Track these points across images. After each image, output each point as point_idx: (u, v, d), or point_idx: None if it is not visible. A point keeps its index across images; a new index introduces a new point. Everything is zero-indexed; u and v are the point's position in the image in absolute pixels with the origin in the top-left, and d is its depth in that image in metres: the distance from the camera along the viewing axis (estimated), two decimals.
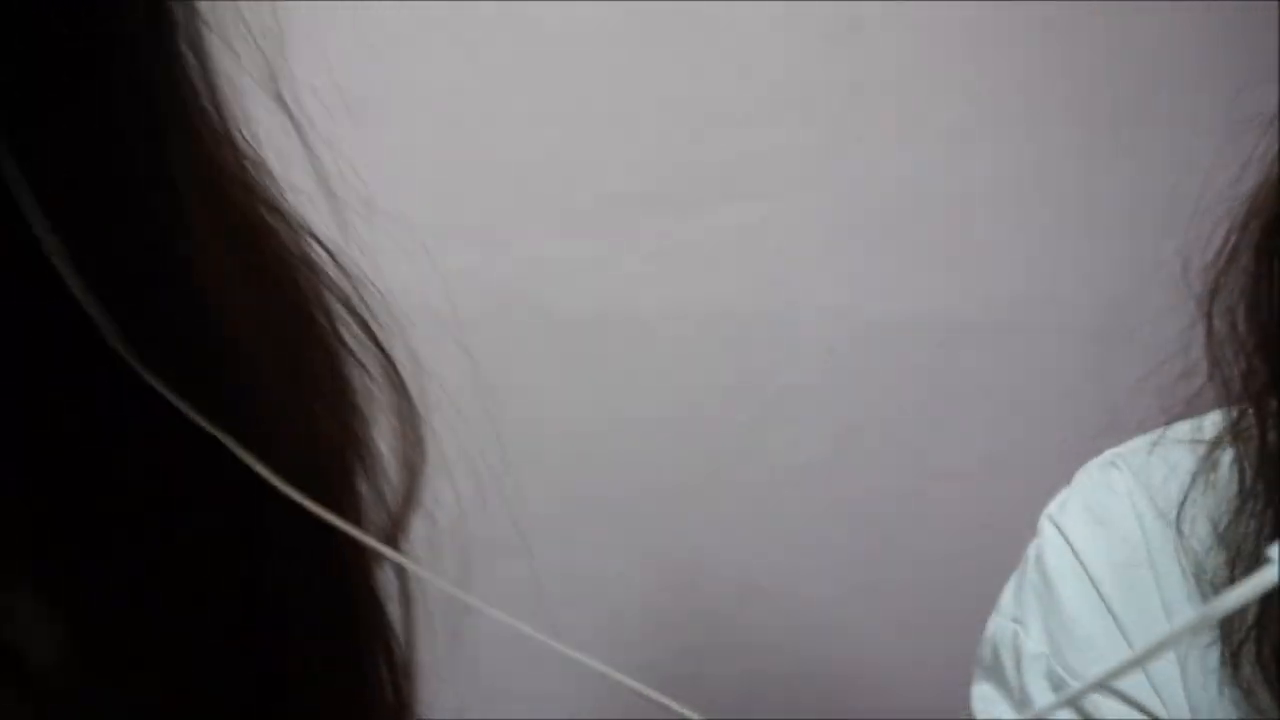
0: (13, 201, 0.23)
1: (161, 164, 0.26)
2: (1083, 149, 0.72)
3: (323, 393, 0.30)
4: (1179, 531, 0.50)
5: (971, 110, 0.73)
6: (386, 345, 0.32)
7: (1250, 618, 0.44)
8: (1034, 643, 0.53)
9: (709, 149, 0.76)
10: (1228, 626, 0.45)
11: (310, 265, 0.29)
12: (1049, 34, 0.71)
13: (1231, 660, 0.45)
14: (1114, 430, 0.61)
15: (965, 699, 0.69)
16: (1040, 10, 0.71)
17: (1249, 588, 0.31)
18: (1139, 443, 0.56)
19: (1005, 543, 0.70)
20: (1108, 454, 0.58)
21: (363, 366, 0.31)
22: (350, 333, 0.31)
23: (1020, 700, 0.54)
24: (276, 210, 0.28)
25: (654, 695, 0.33)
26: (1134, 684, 0.49)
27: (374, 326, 0.31)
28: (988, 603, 0.70)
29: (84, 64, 0.25)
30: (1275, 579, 0.30)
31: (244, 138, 0.27)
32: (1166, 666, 0.48)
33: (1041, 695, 0.52)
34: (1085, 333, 0.73)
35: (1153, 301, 0.65)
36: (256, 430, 0.26)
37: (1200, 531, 0.49)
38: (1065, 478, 0.61)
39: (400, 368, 0.31)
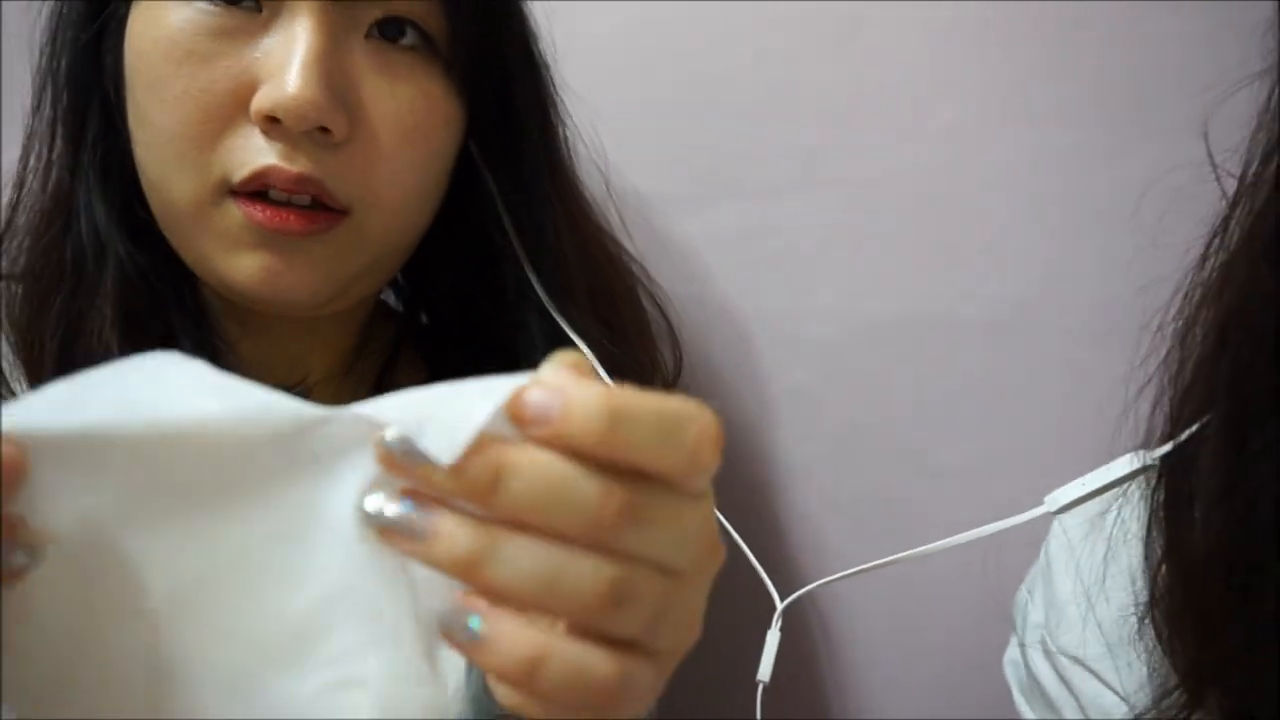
0: (495, 214, 0.58)
1: (551, 196, 0.59)
2: (1082, 149, 0.72)
3: (626, 319, 0.64)
4: (1147, 548, 0.53)
5: (971, 110, 0.73)
6: (660, 299, 0.69)
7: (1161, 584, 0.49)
8: (1036, 613, 0.58)
9: (709, 149, 0.76)
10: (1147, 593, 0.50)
11: (618, 247, 0.67)
12: (1049, 34, 0.71)
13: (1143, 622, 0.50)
14: (1114, 430, 0.61)
15: (966, 697, 0.70)
16: (1040, 10, 0.71)
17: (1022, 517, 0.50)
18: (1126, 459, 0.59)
19: (1005, 542, 0.69)
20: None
21: (650, 307, 0.68)
22: (643, 291, 0.68)
23: (1025, 658, 0.59)
24: (599, 223, 0.65)
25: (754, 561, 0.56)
26: (1101, 662, 0.54)
27: (653, 290, 0.69)
28: (988, 602, 0.70)
29: (533, 132, 0.58)
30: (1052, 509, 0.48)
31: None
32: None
33: (1037, 659, 0.57)
34: (1085, 333, 0.73)
35: (1153, 302, 0.65)
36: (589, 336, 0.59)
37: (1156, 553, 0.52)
38: (1064, 477, 0.61)
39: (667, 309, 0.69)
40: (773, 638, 0.51)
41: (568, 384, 0.29)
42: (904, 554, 0.52)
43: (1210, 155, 0.52)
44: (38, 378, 0.52)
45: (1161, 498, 0.48)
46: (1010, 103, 0.72)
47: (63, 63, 0.55)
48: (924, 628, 0.77)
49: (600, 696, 0.29)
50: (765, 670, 0.52)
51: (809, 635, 0.79)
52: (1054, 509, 0.51)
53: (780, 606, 0.52)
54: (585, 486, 0.29)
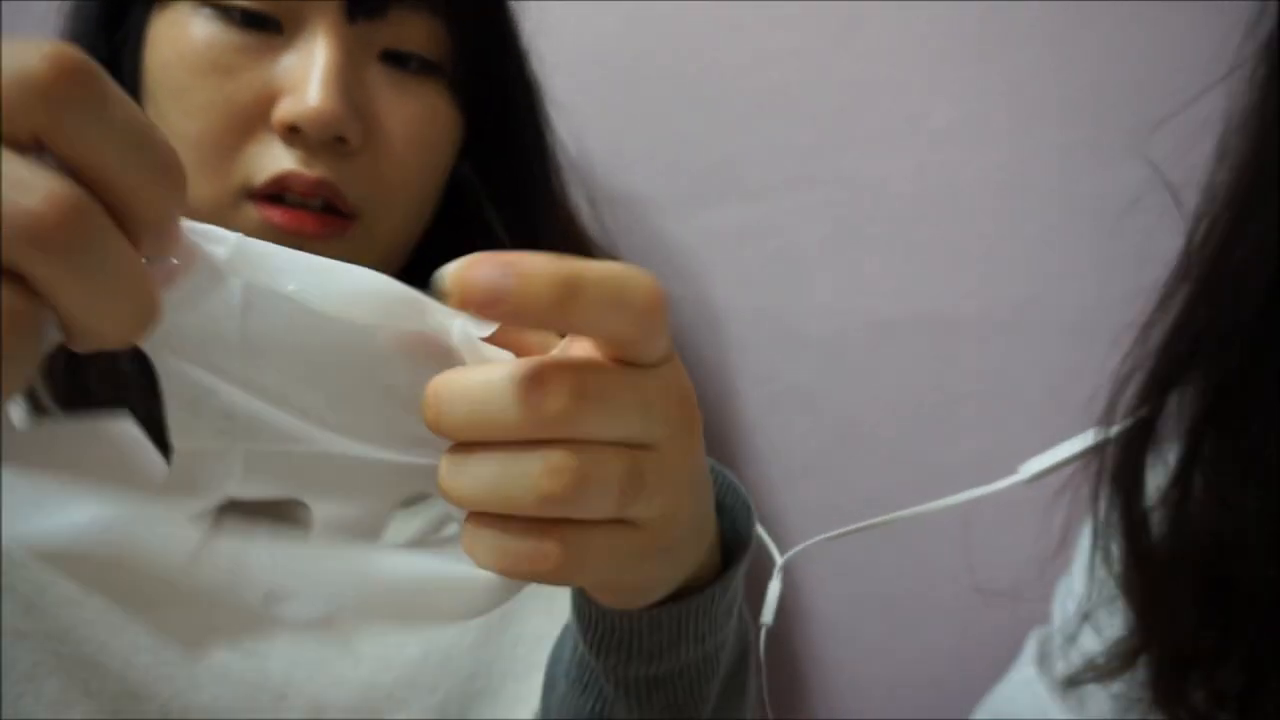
0: (482, 210, 0.59)
1: (542, 196, 0.62)
2: (1082, 149, 0.72)
3: None
4: (1105, 514, 0.56)
5: (970, 110, 0.73)
6: None
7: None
8: (1064, 589, 0.62)
9: (709, 149, 0.76)
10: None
11: (589, 241, 0.68)
12: (1048, 34, 0.71)
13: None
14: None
15: (966, 697, 0.70)
16: (1039, 10, 0.71)
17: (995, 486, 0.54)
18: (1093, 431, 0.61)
19: (1005, 541, 0.70)
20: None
21: None
22: None
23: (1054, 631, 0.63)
24: (582, 223, 0.68)
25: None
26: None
27: None
28: (987, 601, 0.70)
29: (526, 141, 0.62)
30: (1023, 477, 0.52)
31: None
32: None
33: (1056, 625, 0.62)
34: (1085, 333, 0.73)
35: (1151, 302, 0.65)
36: None
37: None
38: (1062, 475, 0.61)
39: None
40: (774, 587, 0.58)
41: (511, 257, 0.29)
42: (885, 517, 0.58)
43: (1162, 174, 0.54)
44: (49, 379, 0.53)
45: (1115, 470, 0.52)
46: (1010, 103, 0.72)
47: None
48: (906, 586, 0.78)
49: (556, 574, 0.31)
50: (769, 614, 0.58)
51: (806, 590, 0.80)
52: (1025, 477, 0.56)
53: (780, 561, 0.58)
54: (507, 390, 0.29)
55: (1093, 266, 0.72)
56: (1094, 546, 0.53)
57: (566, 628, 0.46)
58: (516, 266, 0.28)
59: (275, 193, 0.52)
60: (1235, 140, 0.50)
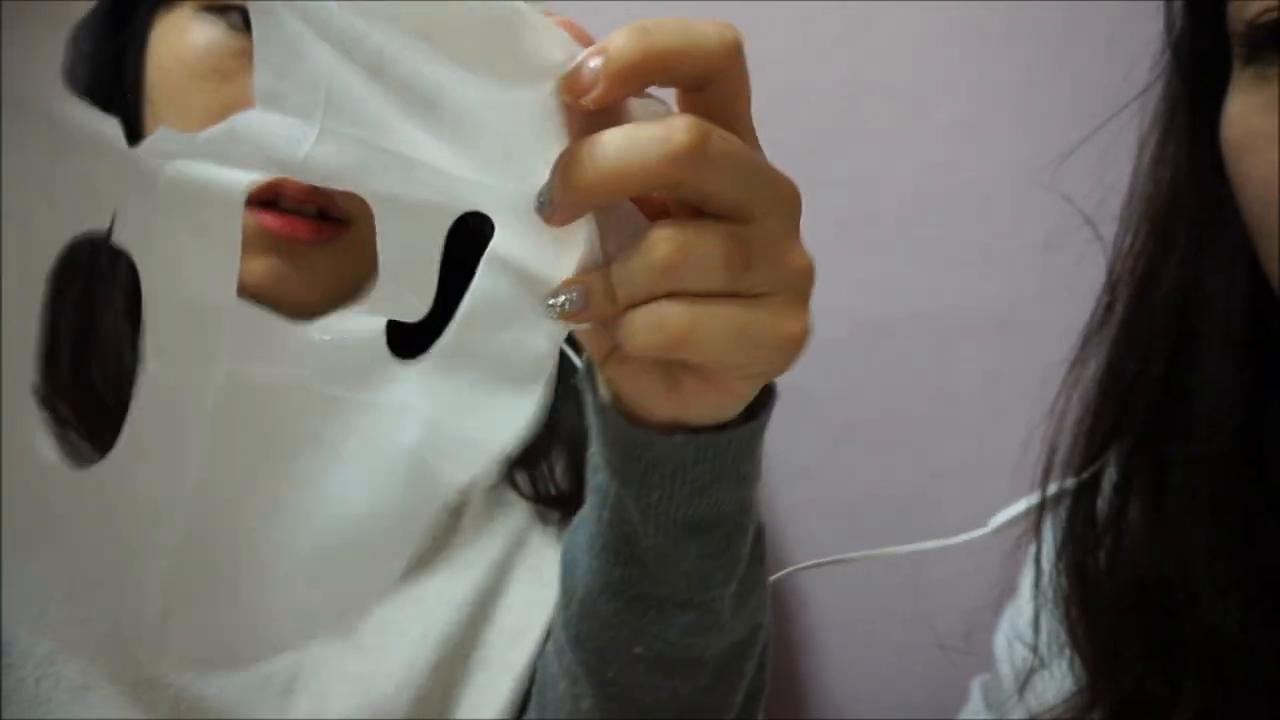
0: (478, 214, 0.44)
1: None
2: (1083, 148, 0.72)
3: None
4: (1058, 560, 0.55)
5: (972, 110, 0.73)
6: None
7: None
8: (1013, 608, 0.62)
9: None
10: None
11: None
12: (1049, 34, 0.71)
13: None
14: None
15: (965, 696, 0.70)
16: (1040, 10, 0.71)
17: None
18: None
19: (1005, 542, 0.70)
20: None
21: None
22: None
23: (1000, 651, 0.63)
24: None
25: None
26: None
27: None
28: (986, 602, 0.70)
29: None
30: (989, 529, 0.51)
31: None
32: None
33: (1001, 643, 0.61)
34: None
35: None
36: None
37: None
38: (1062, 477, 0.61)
39: None
40: None
41: (588, 45, 0.34)
42: (847, 555, 0.58)
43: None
44: (54, 366, 0.53)
45: (1069, 519, 0.51)
46: (1011, 103, 0.72)
47: (81, 72, 0.57)
48: (881, 619, 0.78)
49: (684, 341, 0.34)
50: None
51: (781, 621, 0.80)
52: (992, 529, 0.56)
53: None
54: (652, 128, 0.34)
55: (1095, 267, 0.72)
56: (1037, 598, 0.53)
57: (581, 517, 0.46)
58: (599, 46, 0.35)
59: (269, 198, 0.52)
60: (1148, 171, 0.49)
